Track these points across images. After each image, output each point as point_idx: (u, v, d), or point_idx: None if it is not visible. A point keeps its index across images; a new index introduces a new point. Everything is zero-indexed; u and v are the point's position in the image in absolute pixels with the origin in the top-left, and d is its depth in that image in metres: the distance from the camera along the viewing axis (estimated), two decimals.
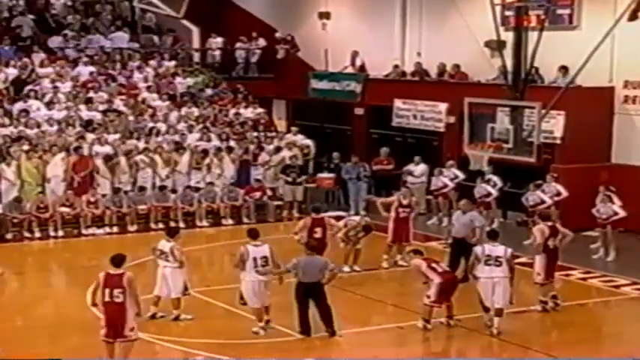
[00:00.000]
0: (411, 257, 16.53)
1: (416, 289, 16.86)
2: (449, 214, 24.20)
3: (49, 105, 27.37)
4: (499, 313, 15.89)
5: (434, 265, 16.13)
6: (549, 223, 17.42)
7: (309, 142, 28.55)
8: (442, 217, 24.97)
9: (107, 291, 13.48)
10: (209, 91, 30.65)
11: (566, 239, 17.36)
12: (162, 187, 25.21)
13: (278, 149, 27.36)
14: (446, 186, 24.89)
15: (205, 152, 26.35)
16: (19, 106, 27.08)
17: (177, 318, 16.46)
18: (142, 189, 24.98)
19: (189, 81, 30.91)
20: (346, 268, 19.54)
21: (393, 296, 18.12)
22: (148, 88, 29.71)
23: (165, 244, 16.47)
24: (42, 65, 29.29)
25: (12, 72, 28.65)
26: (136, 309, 13.63)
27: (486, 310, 16.10)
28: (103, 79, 29.40)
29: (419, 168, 26.09)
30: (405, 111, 27.76)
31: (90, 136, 26.01)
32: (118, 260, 13.78)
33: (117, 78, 29.85)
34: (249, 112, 29.80)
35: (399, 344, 15.67)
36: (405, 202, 20.67)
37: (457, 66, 27.21)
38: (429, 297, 15.91)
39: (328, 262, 15.73)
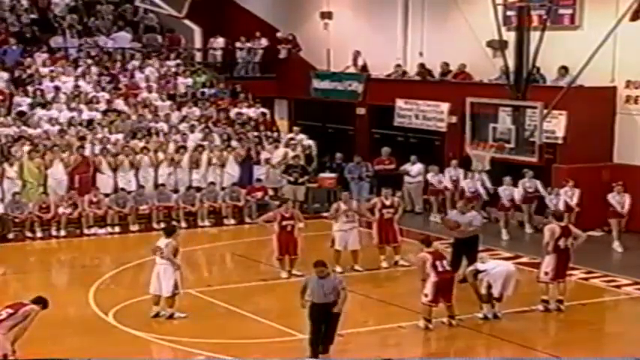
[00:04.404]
0: (420, 249, 16.44)
1: (417, 289, 16.81)
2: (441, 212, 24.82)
3: (51, 105, 27.36)
4: (501, 299, 16.35)
5: (437, 262, 16.04)
6: (562, 224, 17.31)
7: (310, 142, 28.48)
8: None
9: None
10: (210, 91, 30.60)
11: (578, 240, 17.30)
12: (161, 185, 25.20)
13: (278, 147, 27.40)
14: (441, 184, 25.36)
15: (201, 147, 26.33)
16: (20, 105, 27.08)
17: (171, 316, 16.42)
18: (142, 187, 24.98)
19: (190, 81, 30.88)
20: (338, 269, 19.31)
21: (394, 296, 18.07)
22: (149, 87, 29.69)
23: (163, 241, 16.53)
24: (44, 65, 29.30)
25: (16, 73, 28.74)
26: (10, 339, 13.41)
27: (499, 299, 16.36)
28: (104, 79, 29.38)
29: (415, 167, 26.15)
30: (407, 111, 27.72)
31: (91, 136, 26.03)
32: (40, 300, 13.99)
33: (118, 78, 29.84)
34: (251, 112, 29.77)
35: (400, 344, 15.64)
36: (387, 202, 20.44)
37: (464, 65, 27.19)
38: (426, 296, 15.92)
39: (341, 282, 14.74)
